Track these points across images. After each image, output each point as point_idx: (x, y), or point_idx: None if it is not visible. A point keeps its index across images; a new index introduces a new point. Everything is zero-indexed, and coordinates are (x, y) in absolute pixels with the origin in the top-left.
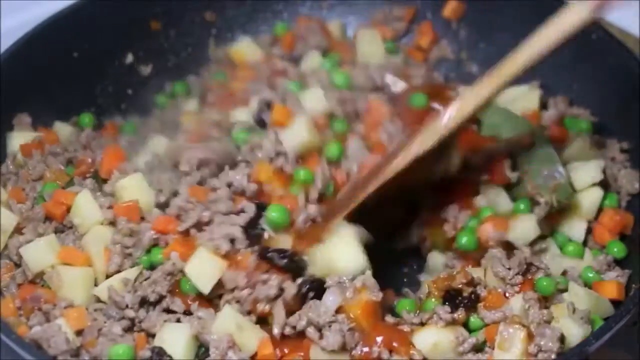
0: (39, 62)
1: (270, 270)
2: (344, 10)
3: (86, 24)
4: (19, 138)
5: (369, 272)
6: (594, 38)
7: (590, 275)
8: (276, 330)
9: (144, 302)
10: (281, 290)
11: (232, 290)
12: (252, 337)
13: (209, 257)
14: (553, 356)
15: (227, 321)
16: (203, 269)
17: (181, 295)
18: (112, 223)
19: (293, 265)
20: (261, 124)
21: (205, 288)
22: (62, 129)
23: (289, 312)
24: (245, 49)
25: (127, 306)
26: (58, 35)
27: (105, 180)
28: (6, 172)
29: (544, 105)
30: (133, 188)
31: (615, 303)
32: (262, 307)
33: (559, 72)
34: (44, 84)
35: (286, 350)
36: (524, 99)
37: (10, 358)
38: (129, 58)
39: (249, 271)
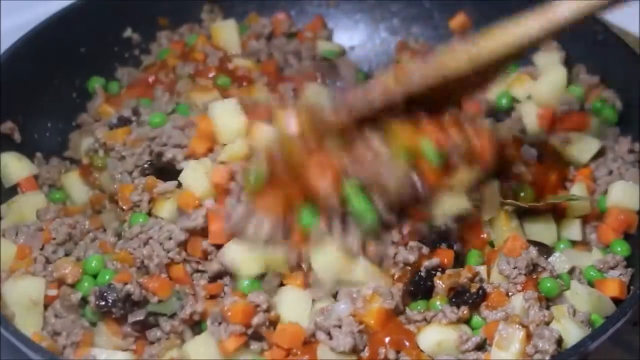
0: (39, 62)
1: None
2: (351, 8)
3: (88, 23)
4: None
5: (382, 281)
6: (600, 39)
7: (593, 274)
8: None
9: None
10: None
11: None
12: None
13: None
14: (547, 357)
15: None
16: None
17: None
18: None
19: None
20: None
21: None
22: None
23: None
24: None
25: None
26: (58, 35)
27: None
28: None
29: None
30: None
31: (617, 302)
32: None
33: None
34: (45, 84)
35: (298, 353)
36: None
37: (11, 357)
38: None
39: None
